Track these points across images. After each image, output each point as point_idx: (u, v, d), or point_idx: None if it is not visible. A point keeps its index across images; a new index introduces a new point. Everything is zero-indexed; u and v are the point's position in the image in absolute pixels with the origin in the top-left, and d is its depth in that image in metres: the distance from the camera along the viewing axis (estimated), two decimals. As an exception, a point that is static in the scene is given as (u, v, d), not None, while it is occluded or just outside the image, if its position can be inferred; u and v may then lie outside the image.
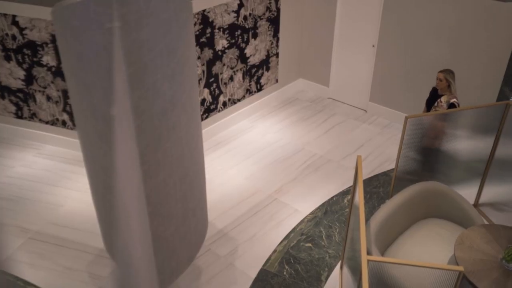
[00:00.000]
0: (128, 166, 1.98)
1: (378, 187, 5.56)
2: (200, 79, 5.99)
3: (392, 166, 5.76)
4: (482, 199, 5.11)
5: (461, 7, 5.63)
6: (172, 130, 2.65)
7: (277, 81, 7.26)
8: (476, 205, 5.11)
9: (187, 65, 2.72)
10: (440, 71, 4.73)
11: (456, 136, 4.67)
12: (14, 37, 5.46)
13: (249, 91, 6.83)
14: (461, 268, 2.96)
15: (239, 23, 6.20)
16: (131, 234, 1.97)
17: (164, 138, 2.60)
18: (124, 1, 2.11)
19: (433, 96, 4.89)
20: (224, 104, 6.50)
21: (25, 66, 5.63)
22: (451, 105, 4.65)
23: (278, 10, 6.71)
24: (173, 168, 2.81)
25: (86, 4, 2.03)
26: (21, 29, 5.38)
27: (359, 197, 3.40)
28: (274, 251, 4.71)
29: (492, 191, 5.07)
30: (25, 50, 5.51)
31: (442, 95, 4.76)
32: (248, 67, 6.64)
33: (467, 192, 4.87)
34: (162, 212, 2.81)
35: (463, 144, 4.82)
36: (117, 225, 2.02)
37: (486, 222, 4.62)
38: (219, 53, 6.08)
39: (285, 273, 4.47)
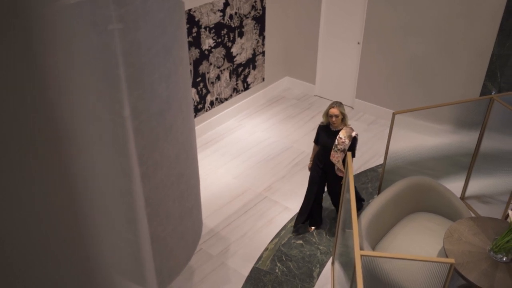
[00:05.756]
0: (131, 168, 1.98)
1: (367, 183, 5.63)
2: (187, 79, 5.98)
3: (380, 161, 5.83)
4: (468, 192, 5.21)
5: (445, 3, 5.72)
6: (169, 130, 2.66)
7: (263, 79, 7.28)
8: (462, 198, 5.20)
9: (181, 65, 2.73)
10: (332, 107, 4.27)
11: (442, 131, 4.75)
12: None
13: (236, 90, 6.84)
14: (452, 260, 3.02)
15: (225, 22, 6.20)
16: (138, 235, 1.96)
17: (161, 138, 2.61)
18: (122, 1, 2.11)
19: (326, 134, 4.44)
20: (212, 104, 6.50)
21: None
22: (354, 139, 4.35)
23: (263, 8, 6.72)
24: (170, 168, 2.81)
25: (82, 5, 2.02)
26: None
27: (350, 193, 3.44)
28: (266, 249, 4.74)
29: (478, 184, 5.17)
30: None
31: (335, 131, 4.37)
32: (235, 66, 6.65)
33: (454, 186, 4.96)
34: (160, 212, 2.81)
35: (449, 138, 4.90)
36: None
37: (473, 215, 4.71)
38: (206, 52, 6.08)
39: (277, 270, 4.49)
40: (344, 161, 4.40)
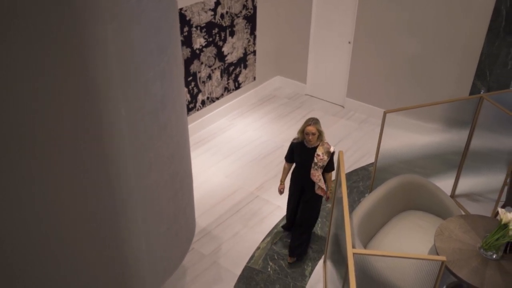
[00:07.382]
0: (125, 167, 1.97)
1: (358, 182, 5.65)
2: (179, 78, 5.95)
3: (371, 160, 5.86)
4: (458, 191, 5.25)
5: (435, 3, 5.76)
6: (164, 129, 2.65)
7: (254, 78, 7.28)
8: (453, 196, 5.25)
9: (175, 64, 2.72)
10: (309, 125, 4.10)
11: (433, 130, 4.77)
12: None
13: (227, 89, 6.83)
14: (443, 258, 3.04)
15: (216, 21, 6.19)
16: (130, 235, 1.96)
17: (156, 138, 2.60)
18: (117, 0, 2.09)
19: (302, 152, 4.28)
20: (203, 103, 6.48)
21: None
22: (332, 154, 4.23)
23: (254, 8, 6.72)
24: (165, 168, 2.81)
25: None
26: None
27: (342, 191, 3.46)
28: (258, 248, 4.74)
29: (468, 183, 5.22)
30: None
31: (312, 148, 4.22)
32: (226, 65, 6.64)
33: (444, 184, 5.00)
34: (155, 211, 2.80)
35: (439, 137, 4.93)
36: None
37: (463, 213, 4.75)
38: (197, 51, 6.07)
39: (269, 269, 4.50)
40: (324, 177, 4.32)
